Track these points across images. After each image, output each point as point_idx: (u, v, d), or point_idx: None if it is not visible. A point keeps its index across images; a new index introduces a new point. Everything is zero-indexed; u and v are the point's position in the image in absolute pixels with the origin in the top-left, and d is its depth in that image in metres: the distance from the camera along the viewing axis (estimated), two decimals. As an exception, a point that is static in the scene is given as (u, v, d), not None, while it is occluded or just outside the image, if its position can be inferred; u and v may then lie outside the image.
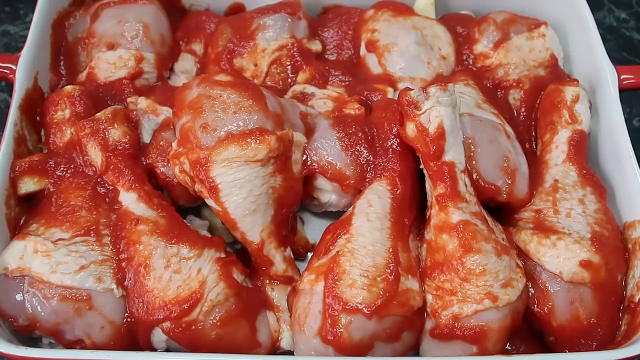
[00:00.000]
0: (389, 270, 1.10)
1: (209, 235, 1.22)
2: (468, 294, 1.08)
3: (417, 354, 1.16)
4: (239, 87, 1.21)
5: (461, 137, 1.15)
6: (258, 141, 1.15)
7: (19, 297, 1.11)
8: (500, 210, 1.27)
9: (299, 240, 1.31)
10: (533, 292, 1.16)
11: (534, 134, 1.40)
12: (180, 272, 1.12)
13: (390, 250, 1.13)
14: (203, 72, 1.48)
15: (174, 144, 1.21)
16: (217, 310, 1.11)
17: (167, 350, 1.14)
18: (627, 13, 1.90)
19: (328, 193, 1.28)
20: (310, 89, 1.39)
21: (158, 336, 1.12)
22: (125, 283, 1.13)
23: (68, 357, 1.08)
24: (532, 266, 1.17)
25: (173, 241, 1.15)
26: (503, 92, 1.43)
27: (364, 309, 1.06)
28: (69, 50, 1.46)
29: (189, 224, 1.21)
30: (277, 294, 1.21)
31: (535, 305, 1.16)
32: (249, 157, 1.14)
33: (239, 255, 1.23)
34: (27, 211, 1.26)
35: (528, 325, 1.18)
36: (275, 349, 1.19)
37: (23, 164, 1.24)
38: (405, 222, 1.18)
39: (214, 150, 1.15)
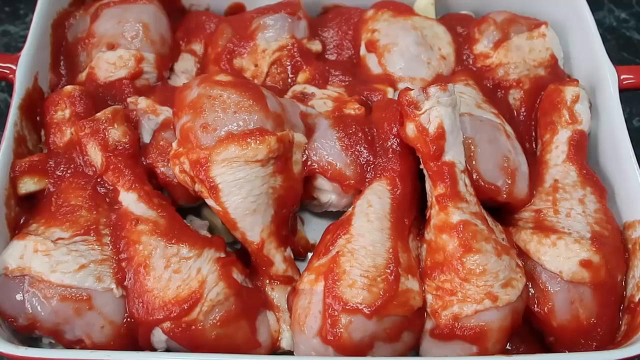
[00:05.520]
0: (389, 271, 1.10)
1: (209, 235, 1.22)
2: (468, 294, 1.08)
3: (417, 354, 1.17)
4: (239, 87, 1.21)
5: (461, 137, 1.15)
6: (258, 141, 1.15)
7: (19, 297, 1.11)
8: (500, 210, 1.27)
9: (299, 240, 1.31)
10: (533, 292, 1.16)
11: (534, 134, 1.40)
12: (180, 272, 1.12)
13: (390, 250, 1.13)
14: (203, 72, 1.48)
15: (174, 144, 1.21)
16: (216, 310, 1.11)
17: (167, 350, 1.14)
18: (627, 13, 1.90)
19: (328, 193, 1.28)
20: (310, 89, 1.39)
21: (158, 336, 1.12)
22: (125, 283, 1.14)
23: (68, 357, 1.08)
24: (532, 266, 1.17)
25: (173, 241, 1.15)
26: (503, 92, 1.43)
27: (364, 309, 1.06)
28: (69, 50, 1.46)
29: (189, 224, 1.21)
30: (277, 294, 1.21)
31: (535, 305, 1.16)
32: (249, 157, 1.14)
33: (239, 255, 1.23)
34: (27, 211, 1.26)
35: (528, 325, 1.18)
36: (275, 349, 1.19)
37: (23, 164, 1.24)
38: (405, 222, 1.18)
39: (214, 150, 1.15)
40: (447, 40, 1.48)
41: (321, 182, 1.27)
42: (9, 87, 1.44)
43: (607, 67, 1.36)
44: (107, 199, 1.21)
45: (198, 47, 1.52)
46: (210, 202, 1.18)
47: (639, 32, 1.86)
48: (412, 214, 1.21)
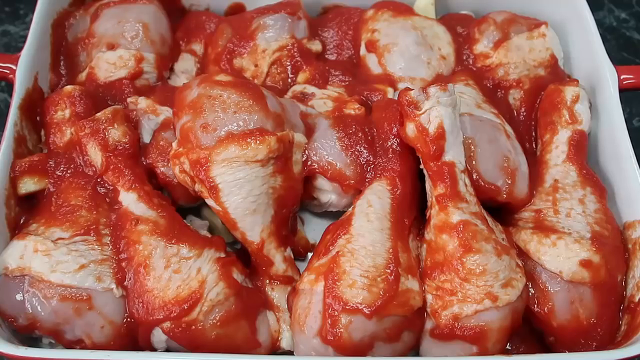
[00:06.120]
0: (389, 271, 1.10)
1: (209, 235, 1.22)
2: (468, 294, 1.08)
3: (417, 354, 1.17)
4: (239, 87, 1.21)
5: (461, 137, 1.15)
6: (258, 141, 1.15)
7: (19, 297, 1.11)
8: (500, 210, 1.27)
9: (299, 240, 1.31)
10: (533, 292, 1.16)
11: (534, 134, 1.40)
12: (180, 272, 1.12)
13: (390, 250, 1.13)
14: (203, 72, 1.48)
15: (174, 144, 1.21)
16: (216, 310, 1.11)
17: (167, 350, 1.14)
18: (627, 13, 1.90)
19: (328, 193, 1.28)
20: (310, 89, 1.39)
21: (158, 336, 1.12)
22: (125, 283, 1.14)
23: (68, 357, 1.08)
24: (532, 266, 1.17)
25: (173, 241, 1.15)
26: (503, 92, 1.43)
27: (364, 309, 1.06)
28: (69, 50, 1.46)
29: (189, 224, 1.21)
30: (277, 294, 1.21)
31: (535, 305, 1.16)
32: (249, 157, 1.14)
33: (239, 255, 1.23)
34: (27, 211, 1.26)
35: (528, 325, 1.18)
36: (275, 349, 1.19)
37: (23, 164, 1.24)
38: (405, 222, 1.18)
39: (214, 150, 1.15)
40: (447, 40, 1.48)
41: (321, 182, 1.27)
42: (9, 87, 1.44)
43: (607, 67, 1.36)
44: (107, 199, 1.21)
45: (198, 47, 1.52)
46: (210, 202, 1.18)
47: (639, 32, 1.86)
48: (412, 214, 1.21)
